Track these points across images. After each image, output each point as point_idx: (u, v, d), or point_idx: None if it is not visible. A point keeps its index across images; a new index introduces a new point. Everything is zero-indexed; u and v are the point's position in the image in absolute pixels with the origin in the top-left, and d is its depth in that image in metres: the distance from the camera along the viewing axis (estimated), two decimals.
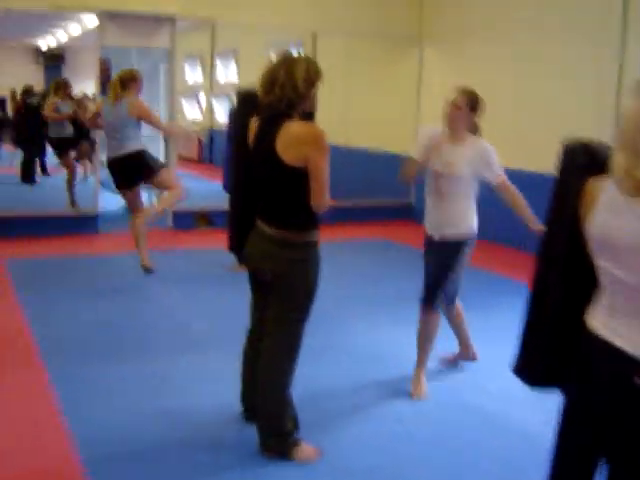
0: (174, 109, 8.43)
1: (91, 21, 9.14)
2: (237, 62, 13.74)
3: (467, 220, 4.06)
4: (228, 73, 14.06)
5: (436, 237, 4.07)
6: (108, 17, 7.80)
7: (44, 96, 10.38)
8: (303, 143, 3.03)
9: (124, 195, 6.44)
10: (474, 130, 4.09)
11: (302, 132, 3.05)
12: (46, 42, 15.54)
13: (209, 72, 14.20)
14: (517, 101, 8.23)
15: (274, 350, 3.27)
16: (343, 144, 9.55)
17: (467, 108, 3.97)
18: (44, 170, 11.59)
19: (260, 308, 3.41)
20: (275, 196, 3.19)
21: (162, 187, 6.46)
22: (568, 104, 7.64)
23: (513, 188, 4.01)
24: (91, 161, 10.13)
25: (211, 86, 14.24)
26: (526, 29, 8.13)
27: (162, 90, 9.94)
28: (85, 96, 12.69)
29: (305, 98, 3.09)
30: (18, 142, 11.27)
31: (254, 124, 3.24)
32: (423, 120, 9.82)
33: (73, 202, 8.71)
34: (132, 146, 6.06)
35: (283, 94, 3.04)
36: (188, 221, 8.33)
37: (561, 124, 7.52)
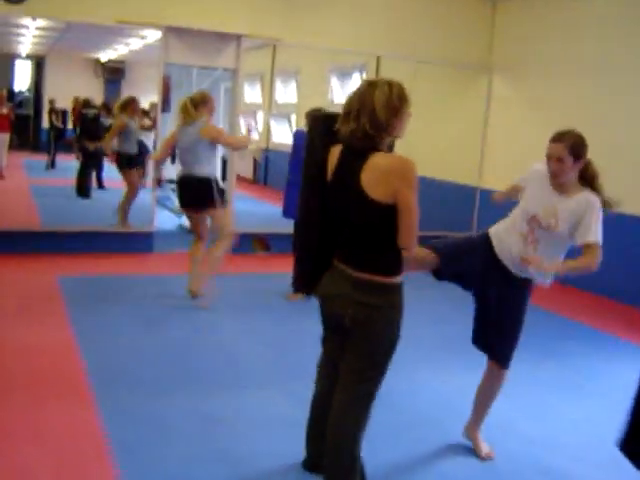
0: (235, 129, 8.20)
1: (153, 35, 9.01)
2: (297, 83, 13.57)
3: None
4: (287, 93, 13.92)
5: (514, 271, 3.63)
6: (173, 33, 7.64)
7: (107, 109, 10.35)
8: (392, 177, 2.75)
9: (189, 217, 6.34)
10: (590, 177, 3.54)
11: (391, 165, 2.77)
12: (107, 55, 15.57)
13: (268, 92, 14.04)
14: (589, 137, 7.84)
15: (349, 405, 2.99)
16: None
17: (570, 158, 3.42)
18: (100, 184, 11.51)
19: (334, 356, 3.13)
20: (359, 235, 2.90)
21: (215, 223, 6.16)
22: None
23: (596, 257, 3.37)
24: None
25: (270, 106, 14.08)
26: (598, 63, 7.87)
27: (222, 109, 9.85)
28: (143, 111, 12.63)
29: (389, 127, 2.80)
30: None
31: (334, 152, 2.98)
32: (488, 150, 9.52)
33: (124, 221, 8.50)
34: (204, 170, 5.91)
35: (363, 123, 2.76)
36: (244, 245, 8.09)
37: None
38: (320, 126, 3.16)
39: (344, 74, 11.72)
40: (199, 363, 4.82)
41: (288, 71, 13.57)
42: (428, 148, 9.62)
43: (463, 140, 9.67)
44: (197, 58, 7.89)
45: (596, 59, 7.94)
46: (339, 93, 11.87)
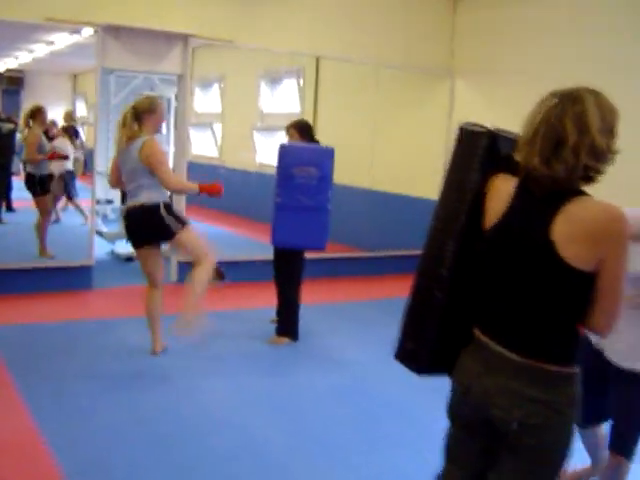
0: (183, 146, 7.15)
1: (62, 41, 7.88)
2: (221, 89, 12.50)
3: None
4: (208, 101, 12.81)
5: (625, 366, 2.93)
6: (111, 34, 6.55)
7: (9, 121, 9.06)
8: (600, 236, 1.88)
9: (139, 257, 5.09)
10: None
11: (598, 218, 1.89)
12: (5, 64, 14.06)
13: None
14: None
15: None
16: (368, 186, 8.48)
17: None
18: (9, 207, 10.13)
19: (473, 467, 2.22)
20: (532, 306, 2.01)
21: (184, 251, 5.13)
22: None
23: None
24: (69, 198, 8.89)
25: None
26: (561, 63, 7.36)
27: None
28: (53, 123, 11.31)
29: (610, 157, 1.94)
30: None
31: (499, 186, 2.10)
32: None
33: (43, 249, 7.29)
34: (151, 196, 4.76)
35: (577, 161, 1.89)
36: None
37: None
38: (481, 146, 2.19)
39: (275, 80, 10.80)
40: (188, 445, 3.77)
41: (209, 77, 12.49)
42: (389, 160, 8.84)
43: (425, 150, 8.92)
44: (138, 62, 6.79)
45: (563, 60, 7.42)
46: (269, 101, 10.96)
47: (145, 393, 4.42)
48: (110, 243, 8.44)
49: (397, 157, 8.73)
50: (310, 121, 8.49)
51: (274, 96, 10.85)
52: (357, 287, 7.84)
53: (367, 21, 8.13)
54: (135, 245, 4.97)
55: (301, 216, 5.43)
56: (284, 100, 10.33)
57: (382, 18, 8.23)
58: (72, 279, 6.71)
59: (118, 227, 8.81)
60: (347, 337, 5.87)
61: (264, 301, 6.74)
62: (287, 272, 5.63)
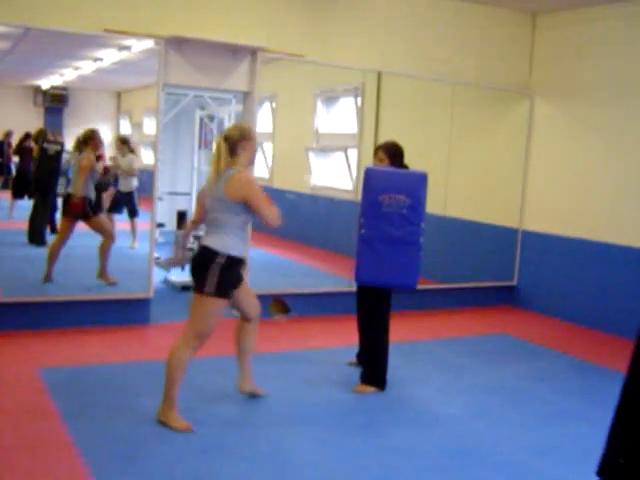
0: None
1: (109, 57, 7.43)
2: (272, 108, 11.98)
3: None
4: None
5: None
6: (174, 47, 6.04)
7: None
8: None
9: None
10: None
11: None
12: (50, 81, 13.69)
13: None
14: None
15: None
16: (440, 213, 7.85)
17: None
18: (53, 229, 9.66)
19: None
20: None
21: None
22: None
23: None
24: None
25: None
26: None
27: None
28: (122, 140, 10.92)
29: None
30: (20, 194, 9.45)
31: None
32: (530, 187, 8.17)
33: (105, 273, 6.80)
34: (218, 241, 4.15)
35: None
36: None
37: None
38: None
39: (331, 98, 10.24)
40: None
41: (259, 95, 11.95)
42: (464, 185, 8.22)
43: (502, 174, 8.29)
44: (202, 78, 6.26)
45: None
46: (325, 121, 10.39)
47: (213, 452, 3.82)
48: (165, 271, 7.90)
49: (472, 182, 8.11)
50: (373, 142, 8.01)
51: (330, 115, 10.30)
52: (433, 322, 7.22)
53: (441, 36, 7.57)
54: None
55: (389, 250, 4.83)
56: (341, 119, 9.77)
57: (457, 33, 7.67)
58: (129, 312, 6.19)
59: (173, 253, 8.27)
60: (435, 385, 5.25)
61: (335, 339, 6.17)
62: (373, 313, 5.04)
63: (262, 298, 4.75)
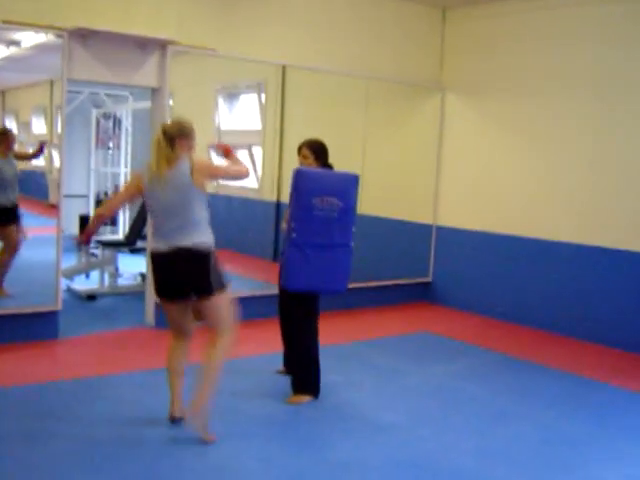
0: None
1: None
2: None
3: None
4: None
5: None
6: (78, 40, 5.61)
7: None
8: None
9: (166, 310, 4.19)
10: None
11: None
12: None
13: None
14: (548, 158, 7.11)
15: None
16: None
17: None
18: None
19: None
20: None
21: (208, 317, 4.10)
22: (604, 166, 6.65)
23: None
24: None
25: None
26: (554, 77, 7.07)
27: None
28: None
29: None
30: None
31: None
32: (443, 179, 8.14)
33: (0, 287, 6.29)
34: (198, 237, 3.98)
35: None
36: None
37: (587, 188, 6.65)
38: None
39: (234, 94, 9.93)
40: None
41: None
42: (376, 181, 8.10)
43: (416, 171, 8.22)
44: (109, 73, 5.86)
45: (556, 73, 7.05)
46: (227, 118, 10.08)
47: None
48: (68, 280, 7.42)
49: (386, 178, 7.99)
50: (273, 138, 7.77)
51: (233, 111, 9.99)
52: (353, 323, 7.08)
53: (353, 30, 7.42)
54: (168, 296, 4.06)
55: (321, 255, 4.62)
56: (245, 116, 9.48)
57: (369, 27, 7.55)
58: (36, 327, 5.71)
59: (76, 260, 7.80)
60: (368, 389, 5.09)
61: (257, 346, 5.92)
62: (301, 318, 4.81)
63: None
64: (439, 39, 8.08)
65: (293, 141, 7.46)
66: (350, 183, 4.71)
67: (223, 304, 4.01)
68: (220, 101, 10.04)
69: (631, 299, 6.41)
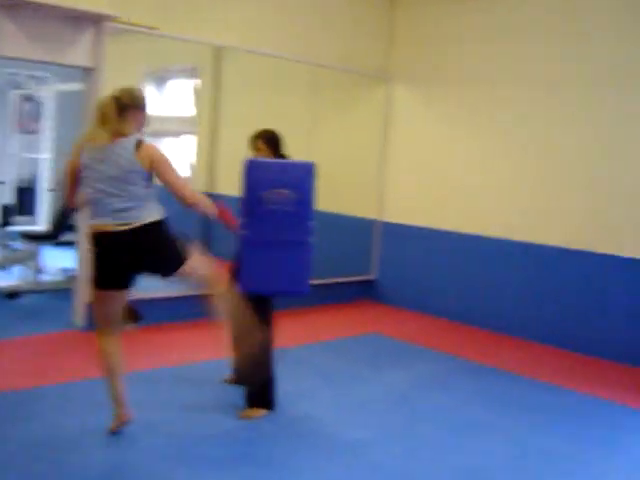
0: None
1: None
2: None
3: None
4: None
5: None
6: (3, 11, 5.03)
7: None
8: None
9: (105, 299, 3.77)
10: None
11: None
12: None
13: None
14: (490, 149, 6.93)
15: None
16: None
17: None
18: None
19: None
20: None
21: (190, 280, 3.91)
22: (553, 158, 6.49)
23: None
24: None
25: None
26: (501, 67, 6.91)
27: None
28: None
29: None
30: None
31: None
32: (390, 173, 7.83)
33: None
34: (148, 213, 3.67)
35: None
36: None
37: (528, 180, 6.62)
38: None
39: (165, 78, 9.39)
40: None
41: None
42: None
43: (362, 164, 7.88)
44: (39, 50, 5.28)
45: (503, 63, 6.86)
46: (157, 103, 9.53)
47: None
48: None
49: (330, 171, 7.57)
50: (208, 126, 7.32)
51: (164, 96, 9.44)
52: (298, 324, 6.67)
53: (298, 14, 7.03)
54: (115, 284, 3.65)
55: (277, 253, 4.22)
56: (177, 102, 8.97)
57: (314, 11, 7.16)
58: None
59: None
60: (327, 400, 4.72)
61: (200, 351, 5.51)
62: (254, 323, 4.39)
63: None
64: (387, 27, 7.75)
65: (230, 129, 7.06)
66: (305, 173, 4.30)
67: (196, 264, 3.74)
68: (149, 85, 9.50)
69: (580, 299, 6.24)
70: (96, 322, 3.74)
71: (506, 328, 6.74)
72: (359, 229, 7.86)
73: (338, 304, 7.52)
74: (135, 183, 3.49)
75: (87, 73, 5.65)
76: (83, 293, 5.70)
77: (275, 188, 4.16)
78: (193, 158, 7.87)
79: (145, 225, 3.52)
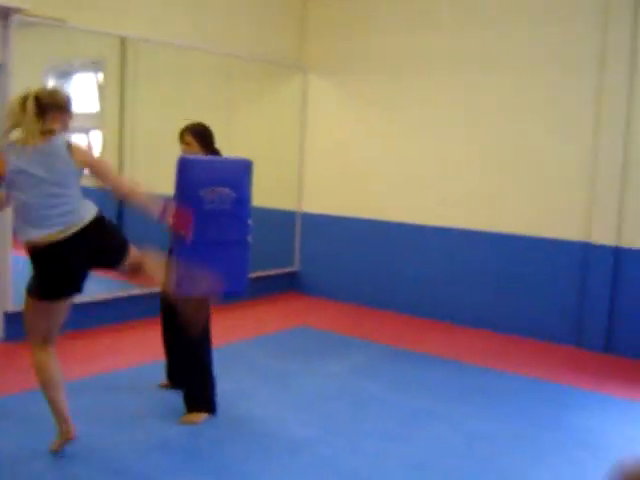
0: None
1: None
2: None
3: None
4: None
5: None
6: None
7: None
8: None
9: (50, 310, 3.53)
10: None
11: None
12: None
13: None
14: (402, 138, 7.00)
15: None
16: None
17: None
18: None
19: None
20: None
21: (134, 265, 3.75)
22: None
23: None
24: None
25: None
26: (414, 57, 7.00)
27: None
28: None
29: None
30: None
31: None
32: (308, 163, 7.78)
33: None
34: (85, 211, 3.52)
35: None
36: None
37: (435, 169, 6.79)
38: None
39: (67, 73, 9.01)
40: None
41: None
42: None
43: (280, 155, 7.79)
44: None
45: (416, 54, 6.97)
46: None
47: None
48: None
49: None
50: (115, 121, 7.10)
51: (70, 92, 9.04)
52: (225, 320, 6.53)
53: (211, 3, 6.85)
54: (66, 292, 3.46)
55: (215, 253, 4.10)
56: (81, 98, 8.62)
57: (224, 2, 7.00)
58: None
59: None
60: (266, 398, 4.65)
61: (129, 355, 5.34)
62: (191, 324, 4.26)
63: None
64: (300, 17, 7.69)
65: (138, 124, 6.86)
66: (243, 170, 4.23)
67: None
68: (50, 81, 9.10)
69: (499, 278, 6.41)
70: (33, 335, 3.52)
71: (431, 313, 6.83)
72: (280, 221, 7.78)
73: (262, 297, 7.45)
74: (71, 185, 3.32)
75: None
76: (1, 300, 5.42)
77: (213, 186, 4.04)
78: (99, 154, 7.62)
79: (87, 225, 3.35)
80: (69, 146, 3.29)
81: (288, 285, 7.83)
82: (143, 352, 5.40)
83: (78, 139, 8.06)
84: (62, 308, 3.48)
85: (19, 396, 4.36)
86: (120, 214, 7.05)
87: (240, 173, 4.21)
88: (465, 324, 6.63)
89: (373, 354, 5.74)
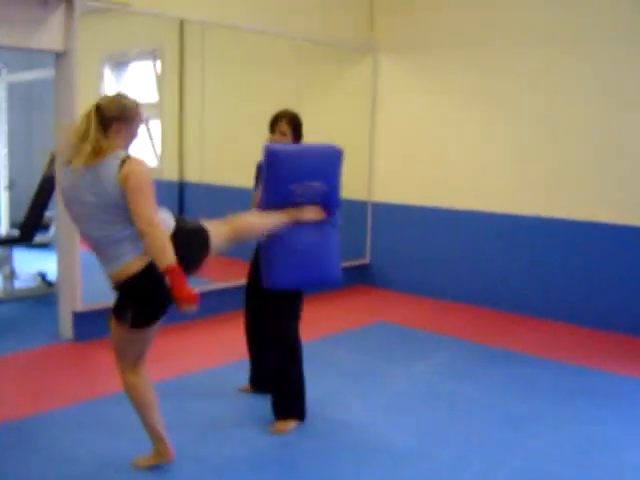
0: None
1: None
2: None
3: None
4: None
5: None
6: None
7: None
8: None
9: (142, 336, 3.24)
10: None
11: None
12: None
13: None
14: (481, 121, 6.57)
15: None
16: None
17: None
18: None
19: None
20: None
21: None
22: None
23: None
24: None
25: None
26: (486, 36, 6.56)
27: None
28: None
29: None
30: None
31: None
32: (378, 151, 7.42)
33: None
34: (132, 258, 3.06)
35: None
36: (98, 325, 4.83)
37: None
38: None
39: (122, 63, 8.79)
40: None
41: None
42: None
43: (349, 143, 7.44)
44: (2, 34, 4.71)
45: (501, 23, 6.46)
46: (115, 89, 8.92)
47: None
48: None
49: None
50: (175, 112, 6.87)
51: (124, 82, 8.84)
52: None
53: None
54: (158, 317, 3.15)
55: (305, 245, 3.81)
56: (138, 87, 8.38)
57: None
58: None
59: None
60: (357, 403, 4.31)
61: (202, 356, 5.06)
62: (282, 323, 3.97)
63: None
64: None
65: (198, 113, 6.60)
66: (334, 160, 3.93)
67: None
68: (107, 71, 8.90)
69: (596, 275, 5.97)
70: (123, 361, 3.22)
71: (514, 307, 6.43)
72: (351, 211, 7.44)
73: (333, 292, 7.10)
74: (114, 216, 2.89)
75: (58, 58, 5.07)
76: (70, 300, 5.19)
77: (305, 180, 3.73)
78: (159, 145, 7.41)
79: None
80: (122, 168, 2.84)
81: (358, 278, 7.49)
82: (225, 351, 5.13)
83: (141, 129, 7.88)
84: (154, 330, 3.18)
85: (98, 401, 4.11)
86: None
87: (331, 164, 3.91)
88: (548, 318, 6.20)
89: (459, 352, 5.38)
